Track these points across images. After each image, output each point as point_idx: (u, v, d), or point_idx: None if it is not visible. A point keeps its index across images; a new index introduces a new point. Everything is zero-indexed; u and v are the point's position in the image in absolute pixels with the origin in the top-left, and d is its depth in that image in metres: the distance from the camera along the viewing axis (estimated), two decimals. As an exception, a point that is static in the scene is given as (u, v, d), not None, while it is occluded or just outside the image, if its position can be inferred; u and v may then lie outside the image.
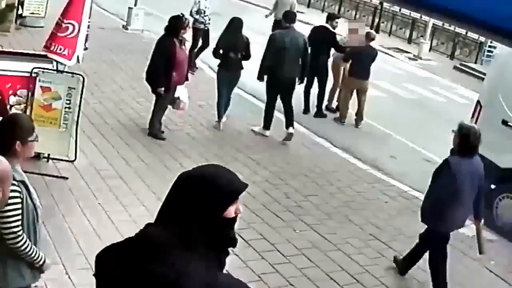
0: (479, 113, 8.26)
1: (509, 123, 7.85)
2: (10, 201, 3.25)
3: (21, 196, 3.41)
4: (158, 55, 8.65)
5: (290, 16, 9.94)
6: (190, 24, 10.41)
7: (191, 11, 12.53)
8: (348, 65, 11.49)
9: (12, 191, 3.24)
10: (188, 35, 10.17)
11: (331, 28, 11.47)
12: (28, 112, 7.11)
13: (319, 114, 11.60)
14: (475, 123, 8.29)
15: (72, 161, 7.38)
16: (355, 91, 11.34)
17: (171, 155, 8.30)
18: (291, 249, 6.40)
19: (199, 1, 12.55)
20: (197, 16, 12.35)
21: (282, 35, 9.51)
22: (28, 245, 3.49)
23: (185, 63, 8.98)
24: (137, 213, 6.51)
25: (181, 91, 8.88)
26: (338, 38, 11.61)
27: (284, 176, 8.34)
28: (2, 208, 3.27)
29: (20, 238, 3.44)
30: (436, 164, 10.09)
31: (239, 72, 9.59)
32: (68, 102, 7.20)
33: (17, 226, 3.42)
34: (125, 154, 8.01)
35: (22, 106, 7.17)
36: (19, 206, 3.41)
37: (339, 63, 11.76)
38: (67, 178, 7.01)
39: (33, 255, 3.53)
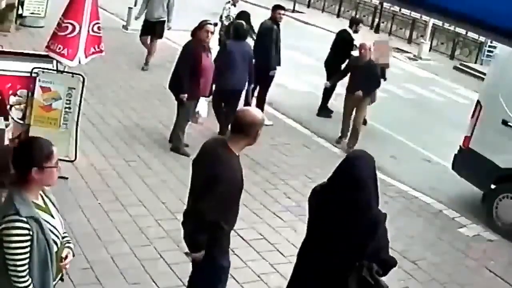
0: (479, 113, 8.26)
1: (509, 123, 7.85)
2: (15, 238, 3.12)
3: (30, 233, 3.14)
4: (182, 60, 8.29)
5: (241, 33, 9.33)
6: (216, 30, 10.26)
7: (221, 16, 12.54)
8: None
9: (19, 228, 3.12)
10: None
11: (352, 33, 11.53)
12: (28, 112, 7.12)
13: (324, 112, 11.60)
14: (475, 123, 8.32)
15: (72, 161, 7.38)
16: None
17: (171, 155, 8.30)
18: (291, 249, 6.39)
19: (229, 8, 12.53)
20: (226, 23, 12.29)
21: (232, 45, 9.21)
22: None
23: (211, 73, 8.38)
24: (137, 213, 6.52)
25: (201, 104, 8.51)
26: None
27: (284, 176, 8.35)
28: (8, 244, 3.12)
29: (22, 279, 3.20)
30: (436, 164, 10.17)
31: None
32: (68, 102, 7.20)
33: (22, 265, 3.17)
34: (125, 154, 8.01)
35: (22, 106, 7.17)
36: (26, 244, 3.15)
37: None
38: (67, 178, 7.01)
39: None
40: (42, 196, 3.36)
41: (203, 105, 8.55)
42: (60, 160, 7.25)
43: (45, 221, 3.25)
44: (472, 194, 8.62)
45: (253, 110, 4.44)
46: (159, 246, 5.95)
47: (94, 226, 6.11)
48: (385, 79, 11.13)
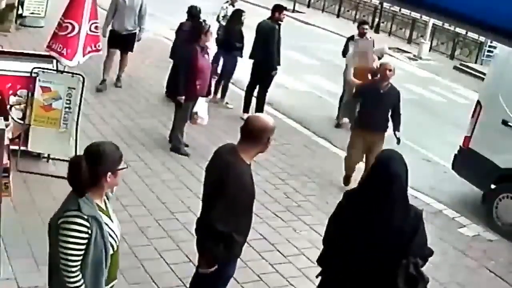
0: (479, 113, 8.26)
1: (509, 123, 7.84)
2: (73, 233, 3.11)
3: (89, 232, 3.14)
4: (178, 62, 8.27)
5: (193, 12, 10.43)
6: (215, 30, 10.38)
7: (218, 16, 12.49)
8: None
9: (78, 224, 3.12)
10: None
11: (355, 36, 11.13)
12: (28, 112, 7.12)
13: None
14: (475, 123, 8.32)
15: (72, 161, 7.37)
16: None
17: (171, 155, 8.30)
18: (291, 249, 6.40)
19: (226, 8, 12.48)
20: (223, 22, 12.26)
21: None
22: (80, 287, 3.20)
23: (208, 73, 8.40)
24: (137, 213, 6.52)
25: (200, 105, 8.40)
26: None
27: (284, 176, 8.35)
28: (65, 238, 3.12)
29: (73, 277, 3.17)
30: (436, 164, 10.16)
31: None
32: (68, 102, 7.20)
33: (74, 261, 3.15)
34: (124, 154, 7.96)
35: (22, 106, 7.17)
36: (83, 242, 3.14)
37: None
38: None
39: None
40: (104, 200, 3.38)
41: (203, 106, 8.52)
42: (60, 160, 7.31)
43: (105, 223, 3.25)
44: (472, 194, 8.62)
45: (264, 116, 4.35)
46: (159, 246, 5.95)
47: (94, 226, 6.11)
48: None
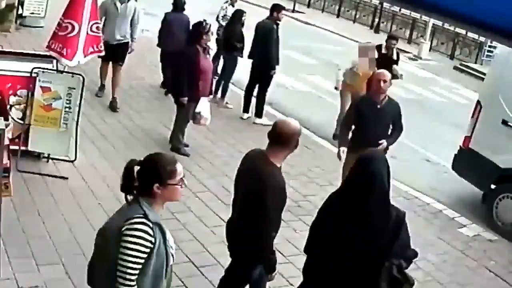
0: (479, 113, 8.26)
1: (509, 123, 7.84)
2: (138, 240, 3.01)
3: (153, 241, 3.05)
4: (180, 63, 8.20)
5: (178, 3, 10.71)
6: (215, 30, 10.39)
7: (217, 16, 12.50)
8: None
9: (144, 231, 3.02)
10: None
11: (383, 50, 10.28)
12: (28, 112, 7.13)
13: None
14: (475, 123, 8.32)
15: (72, 161, 7.38)
16: None
17: (171, 155, 8.30)
18: (291, 249, 6.40)
19: (226, 8, 12.49)
20: (223, 22, 12.26)
21: None
22: None
23: (210, 73, 8.43)
24: (137, 213, 6.51)
25: (202, 105, 8.33)
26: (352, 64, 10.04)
27: (284, 176, 8.32)
28: (128, 245, 3.01)
29: (128, 286, 3.06)
30: (436, 164, 10.16)
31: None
32: (68, 102, 7.20)
33: (134, 269, 3.03)
34: (125, 154, 8.00)
35: (22, 106, 7.17)
36: (146, 250, 3.03)
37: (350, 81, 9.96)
38: (67, 178, 7.01)
39: None
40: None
41: (206, 106, 8.47)
42: (60, 160, 7.31)
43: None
44: (472, 194, 8.62)
45: (291, 120, 4.41)
46: (159, 246, 5.94)
47: (94, 226, 6.10)
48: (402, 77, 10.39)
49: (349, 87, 9.92)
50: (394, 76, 9.08)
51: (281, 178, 4.20)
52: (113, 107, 9.68)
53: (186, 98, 8.18)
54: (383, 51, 10.27)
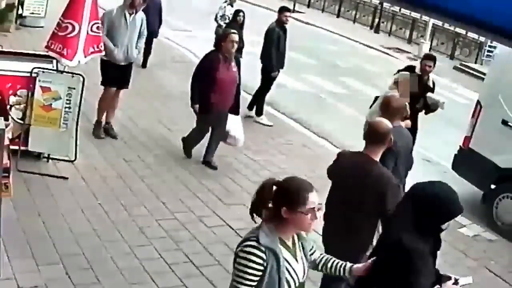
0: (479, 113, 8.26)
1: (509, 123, 7.84)
2: (246, 263, 2.97)
3: (264, 265, 2.97)
4: (197, 71, 7.78)
5: None
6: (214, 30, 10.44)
7: (216, 16, 12.53)
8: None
9: (253, 254, 2.96)
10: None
11: (417, 71, 8.37)
12: (28, 112, 7.13)
13: None
14: (475, 123, 8.32)
15: (72, 161, 7.38)
16: None
17: (171, 155, 8.29)
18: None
19: (224, 7, 12.51)
20: (221, 22, 12.27)
21: None
22: None
23: (230, 87, 7.73)
24: (137, 213, 6.52)
25: (233, 123, 7.93)
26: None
27: (284, 176, 8.32)
28: (239, 267, 2.98)
29: None
30: (436, 164, 10.14)
31: None
32: (68, 102, 7.20)
33: None
34: (124, 154, 8.00)
35: (22, 106, 7.17)
36: (257, 273, 2.97)
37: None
38: (67, 178, 7.00)
39: None
40: (293, 239, 3.20)
41: (237, 125, 8.02)
42: (60, 160, 7.31)
43: (285, 259, 3.07)
44: (472, 194, 8.61)
45: (384, 120, 4.77)
46: (159, 246, 5.95)
47: (94, 226, 6.11)
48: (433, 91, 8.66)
49: None
50: (433, 106, 8.27)
51: (386, 171, 4.64)
52: (110, 133, 8.42)
53: (196, 106, 7.75)
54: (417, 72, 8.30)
